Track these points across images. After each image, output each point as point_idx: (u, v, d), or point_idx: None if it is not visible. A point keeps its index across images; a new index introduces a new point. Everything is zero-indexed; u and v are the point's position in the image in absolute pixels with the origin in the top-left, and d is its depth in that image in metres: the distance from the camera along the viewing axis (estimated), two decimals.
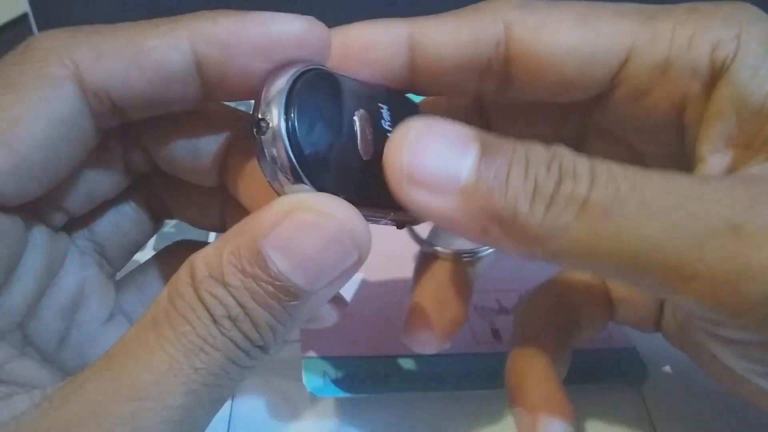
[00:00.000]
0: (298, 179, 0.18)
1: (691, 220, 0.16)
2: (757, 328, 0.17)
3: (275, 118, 0.18)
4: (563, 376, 0.26)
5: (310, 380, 0.27)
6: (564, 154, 0.17)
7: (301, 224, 0.17)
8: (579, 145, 0.25)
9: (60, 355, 0.22)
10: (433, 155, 0.17)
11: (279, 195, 0.18)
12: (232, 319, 0.17)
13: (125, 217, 0.24)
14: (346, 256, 0.17)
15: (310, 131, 0.18)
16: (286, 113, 0.18)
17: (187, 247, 0.26)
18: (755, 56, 0.19)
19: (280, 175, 0.18)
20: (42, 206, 0.21)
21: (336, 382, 0.28)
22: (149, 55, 0.18)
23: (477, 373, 0.29)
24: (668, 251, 0.16)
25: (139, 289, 0.25)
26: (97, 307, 0.23)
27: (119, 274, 0.25)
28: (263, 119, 0.18)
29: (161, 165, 0.23)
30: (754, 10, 0.20)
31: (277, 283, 0.17)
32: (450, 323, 0.24)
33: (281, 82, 0.18)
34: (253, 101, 0.19)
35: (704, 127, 0.21)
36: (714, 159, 0.21)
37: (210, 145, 0.22)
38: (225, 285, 0.17)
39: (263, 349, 0.18)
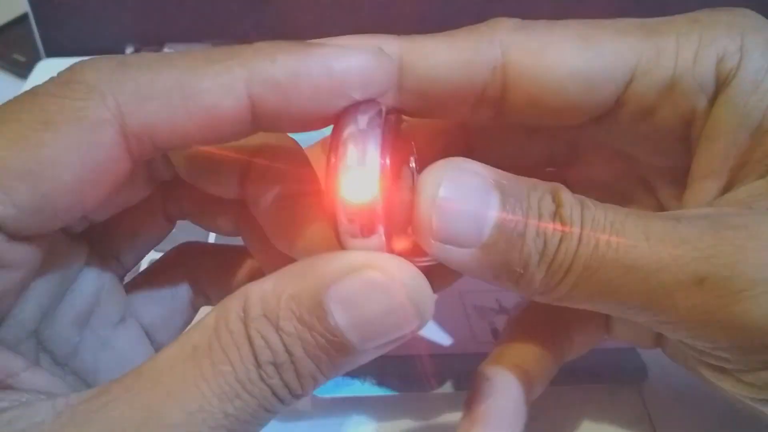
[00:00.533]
0: (371, 233, 0.17)
1: (662, 273, 0.17)
2: (735, 362, 0.18)
3: (366, 173, 0.17)
4: (542, 389, 0.26)
5: None
6: (563, 200, 0.18)
7: (369, 284, 0.16)
8: (570, 160, 0.25)
9: (74, 360, 0.22)
10: (459, 213, 0.18)
11: (341, 242, 0.18)
12: (277, 366, 0.16)
13: (141, 219, 0.24)
14: (407, 324, 0.17)
15: (386, 183, 0.17)
16: (381, 162, 0.17)
17: (194, 248, 0.26)
18: (757, 70, 0.19)
19: (355, 228, 0.17)
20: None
21: (336, 382, 0.28)
22: (200, 99, 0.17)
23: None
24: (644, 301, 0.18)
25: (149, 291, 0.25)
26: (110, 311, 0.23)
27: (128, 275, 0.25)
28: (352, 167, 0.17)
29: (183, 175, 0.22)
30: (756, 17, 0.20)
31: (331, 337, 0.16)
32: None
33: (366, 129, 0.17)
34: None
35: (701, 147, 0.21)
36: (706, 183, 0.21)
37: (233, 157, 0.21)
38: (278, 329, 0.16)
39: (299, 397, 0.17)
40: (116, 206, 0.22)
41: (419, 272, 0.17)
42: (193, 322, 0.26)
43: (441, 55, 0.20)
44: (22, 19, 0.53)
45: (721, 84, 0.20)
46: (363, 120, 0.17)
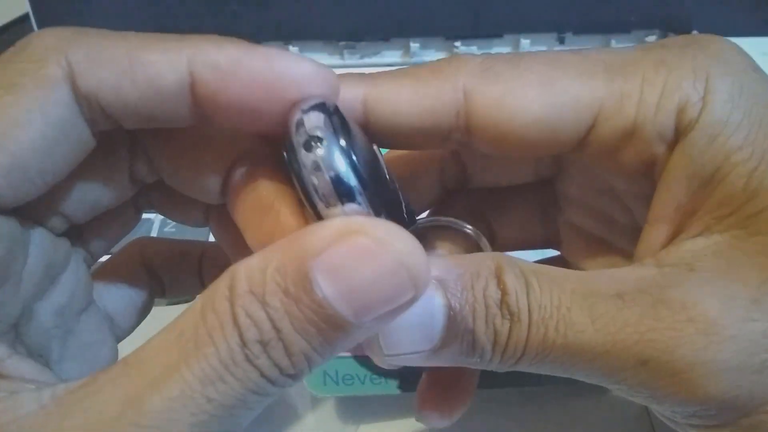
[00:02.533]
0: (351, 200, 0.17)
1: (608, 356, 0.18)
2: (696, 420, 0.19)
3: (329, 136, 0.17)
4: None
5: (310, 380, 0.27)
6: (508, 288, 0.18)
7: (357, 250, 0.15)
8: (556, 175, 0.25)
9: (47, 351, 0.22)
10: (403, 334, 0.18)
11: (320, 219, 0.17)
12: (264, 344, 0.16)
13: (111, 212, 0.24)
14: (401, 292, 0.16)
15: (358, 152, 0.17)
16: (343, 131, 0.17)
17: (149, 240, 0.26)
18: (715, 123, 0.19)
19: (331, 197, 0.17)
20: (43, 212, 0.21)
21: (336, 382, 0.28)
22: (144, 69, 0.18)
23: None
24: (596, 377, 0.19)
25: (109, 280, 0.25)
26: (80, 301, 0.23)
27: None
28: (315, 137, 0.17)
29: (166, 179, 0.22)
30: (727, 51, 0.20)
31: (320, 310, 0.15)
32: (457, 406, 0.25)
33: (321, 106, 0.18)
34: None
35: (657, 192, 0.21)
36: (659, 228, 0.21)
37: (216, 164, 0.22)
38: (264, 304, 0.16)
39: (293, 377, 0.16)
40: (97, 208, 0.22)
41: (411, 235, 0.16)
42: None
43: (403, 100, 0.20)
44: (22, 19, 0.53)
45: (680, 133, 0.20)
46: (318, 102, 0.18)
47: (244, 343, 0.15)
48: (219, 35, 0.19)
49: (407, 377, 0.28)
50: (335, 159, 0.17)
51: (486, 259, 0.19)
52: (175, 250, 0.27)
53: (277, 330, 0.15)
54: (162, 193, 0.24)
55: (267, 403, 0.17)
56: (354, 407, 0.29)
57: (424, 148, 0.23)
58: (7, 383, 0.17)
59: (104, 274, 0.26)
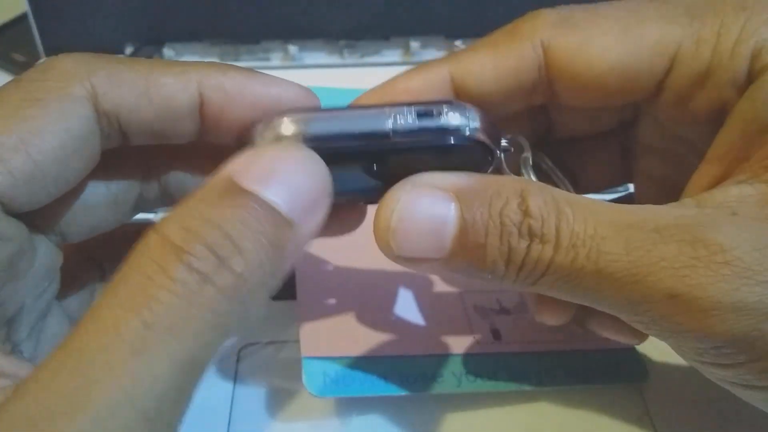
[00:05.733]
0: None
1: (637, 285, 0.18)
2: (706, 355, 0.19)
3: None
4: None
5: (310, 380, 0.27)
6: (532, 212, 0.19)
7: (273, 155, 0.18)
8: (633, 127, 0.26)
9: (24, 347, 0.22)
10: (415, 237, 0.19)
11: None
12: (209, 247, 0.16)
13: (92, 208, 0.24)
14: (317, 178, 0.18)
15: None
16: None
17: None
18: None
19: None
20: (43, 228, 0.22)
21: (336, 382, 0.28)
22: (159, 90, 0.20)
23: (477, 373, 0.29)
24: (618, 305, 0.19)
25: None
26: (54, 296, 0.24)
27: None
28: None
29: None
30: None
31: (256, 204, 0.16)
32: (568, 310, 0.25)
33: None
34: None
35: (719, 134, 0.21)
36: (711, 168, 0.21)
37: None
38: (202, 215, 0.16)
39: (243, 280, 0.16)
40: (96, 230, 0.23)
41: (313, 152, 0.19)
42: None
43: (488, 68, 0.22)
44: (22, 18, 0.53)
45: (755, 77, 0.20)
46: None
47: (180, 250, 0.16)
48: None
49: (407, 378, 0.28)
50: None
51: (513, 182, 0.19)
52: (112, 234, 0.27)
53: (221, 227, 0.16)
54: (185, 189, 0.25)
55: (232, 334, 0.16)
56: (354, 407, 0.29)
57: (514, 109, 0.23)
58: (3, 381, 0.17)
59: None
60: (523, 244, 0.19)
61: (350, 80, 0.22)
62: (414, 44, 0.49)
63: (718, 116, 0.21)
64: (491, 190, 0.19)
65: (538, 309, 0.26)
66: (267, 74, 0.21)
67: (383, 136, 0.20)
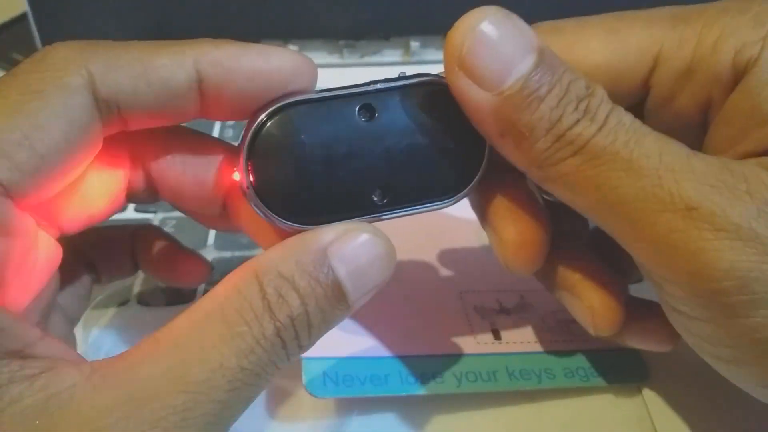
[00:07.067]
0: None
1: (660, 189, 0.18)
2: (688, 301, 0.19)
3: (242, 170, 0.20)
4: None
5: (310, 380, 0.27)
6: (597, 94, 0.19)
7: (360, 240, 0.20)
8: None
9: None
10: (492, 52, 0.19)
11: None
12: (293, 319, 0.19)
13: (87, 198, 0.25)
14: (385, 272, 0.21)
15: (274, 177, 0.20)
16: (251, 168, 0.20)
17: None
18: None
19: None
20: (45, 222, 0.22)
21: (336, 382, 0.28)
22: (157, 71, 0.20)
23: (477, 373, 0.29)
24: (629, 209, 0.19)
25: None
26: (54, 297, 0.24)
27: None
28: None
29: (166, 197, 0.24)
30: None
31: (334, 288, 0.19)
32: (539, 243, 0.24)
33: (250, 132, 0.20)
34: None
35: (712, 130, 0.21)
36: None
37: (215, 177, 0.23)
38: (294, 285, 0.19)
39: (303, 350, 0.20)
40: (91, 221, 0.23)
41: (381, 230, 0.21)
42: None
43: None
44: (22, 18, 0.53)
45: (739, 74, 0.20)
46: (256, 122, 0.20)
47: (276, 318, 0.19)
48: (215, 37, 0.21)
49: (407, 378, 0.28)
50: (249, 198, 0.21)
51: (585, 77, 0.20)
52: (104, 235, 0.28)
53: (305, 305, 0.19)
54: (174, 185, 0.24)
55: (273, 376, 0.20)
56: (354, 407, 0.29)
57: None
58: (39, 363, 0.18)
59: None
60: (575, 116, 0.19)
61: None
62: (414, 44, 0.49)
63: (704, 115, 0.22)
64: (567, 66, 0.20)
65: (512, 252, 0.24)
66: (263, 45, 0.21)
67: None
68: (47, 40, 0.48)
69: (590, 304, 0.25)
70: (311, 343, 0.20)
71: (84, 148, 0.20)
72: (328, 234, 0.20)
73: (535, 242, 0.24)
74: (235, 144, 0.23)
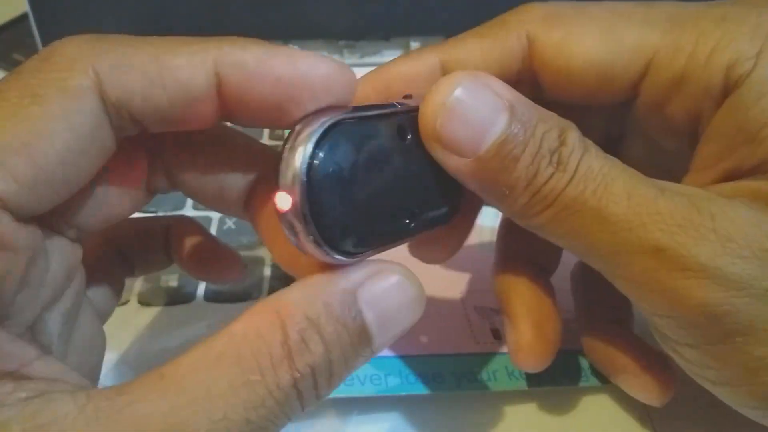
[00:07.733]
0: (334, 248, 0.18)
1: (630, 233, 0.19)
2: (673, 331, 0.20)
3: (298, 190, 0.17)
4: None
5: None
6: (568, 142, 0.19)
7: (391, 282, 0.19)
8: (621, 136, 0.26)
9: (53, 348, 0.22)
10: (464, 121, 0.19)
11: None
12: (314, 368, 0.17)
13: (104, 198, 0.24)
14: (414, 317, 0.19)
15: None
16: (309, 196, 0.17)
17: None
18: (766, 79, 0.19)
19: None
20: (58, 223, 0.21)
21: None
22: (173, 73, 0.18)
23: (477, 373, 0.29)
24: (607, 252, 0.19)
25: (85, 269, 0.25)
26: (81, 296, 0.23)
27: None
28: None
29: (187, 193, 0.23)
30: None
31: (361, 333, 0.18)
32: (552, 343, 0.26)
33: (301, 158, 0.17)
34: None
35: (702, 143, 0.21)
36: (702, 175, 0.22)
37: (238, 178, 0.22)
38: (319, 328, 0.17)
39: (320, 399, 0.18)
40: (112, 219, 0.22)
41: (413, 272, 0.19)
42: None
43: (474, 57, 0.23)
44: (22, 19, 0.53)
45: (731, 89, 0.20)
46: (317, 121, 0.18)
47: (295, 369, 0.17)
48: (240, 36, 0.19)
49: (407, 378, 0.28)
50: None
51: (560, 118, 0.20)
52: (139, 227, 0.27)
53: (329, 352, 0.17)
54: (195, 177, 0.23)
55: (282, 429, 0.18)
56: (354, 407, 0.29)
57: None
58: (34, 384, 0.17)
59: None
60: (549, 170, 0.19)
61: None
62: (414, 44, 0.49)
63: (694, 125, 0.22)
64: (540, 114, 0.20)
65: (526, 351, 0.26)
66: (293, 48, 0.19)
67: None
68: (48, 41, 0.48)
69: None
70: (329, 393, 0.18)
71: (91, 154, 0.18)
72: (358, 273, 0.18)
73: (548, 350, 0.25)
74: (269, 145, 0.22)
